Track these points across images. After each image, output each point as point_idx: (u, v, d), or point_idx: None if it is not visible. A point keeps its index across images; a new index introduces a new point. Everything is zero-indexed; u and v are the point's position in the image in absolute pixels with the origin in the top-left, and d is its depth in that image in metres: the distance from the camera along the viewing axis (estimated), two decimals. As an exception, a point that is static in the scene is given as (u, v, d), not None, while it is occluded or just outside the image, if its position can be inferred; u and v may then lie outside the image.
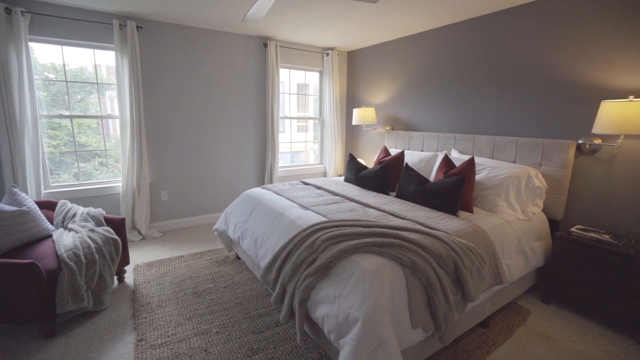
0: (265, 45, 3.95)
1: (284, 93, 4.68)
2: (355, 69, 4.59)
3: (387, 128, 4.10)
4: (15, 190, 2.24)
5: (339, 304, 1.44)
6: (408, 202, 2.45)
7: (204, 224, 3.91)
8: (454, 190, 2.20)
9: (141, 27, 3.18)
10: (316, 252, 1.66)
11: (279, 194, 2.66)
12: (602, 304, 2.01)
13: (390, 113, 4.09)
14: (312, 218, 2.04)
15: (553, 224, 2.51)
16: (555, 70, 2.46)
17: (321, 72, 4.65)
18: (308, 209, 2.25)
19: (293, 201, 2.45)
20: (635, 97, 1.97)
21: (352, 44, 4.27)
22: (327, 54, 4.43)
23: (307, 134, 4.96)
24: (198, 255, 3.04)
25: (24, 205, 2.17)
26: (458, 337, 1.93)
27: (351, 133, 4.85)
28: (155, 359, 1.73)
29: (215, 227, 2.91)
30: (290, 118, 4.73)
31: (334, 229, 1.77)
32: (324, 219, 1.97)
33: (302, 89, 4.85)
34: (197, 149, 3.75)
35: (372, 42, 4.09)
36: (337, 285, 1.50)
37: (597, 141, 2.27)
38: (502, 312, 2.19)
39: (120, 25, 3.04)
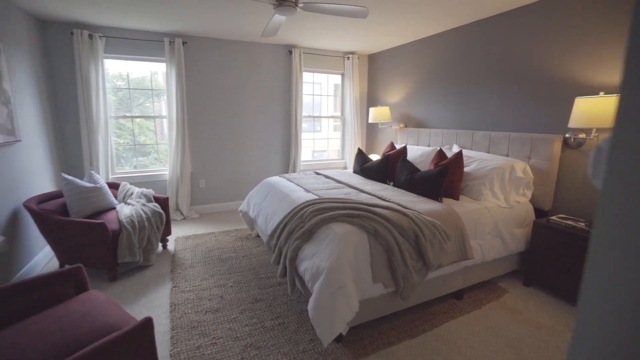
0: (290, 52, 4.44)
1: (320, 95, 5.15)
2: (375, 70, 4.91)
3: (401, 125, 4.37)
4: (92, 172, 2.96)
5: (314, 258, 1.85)
6: (400, 190, 2.76)
7: (234, 209, 4.51)
8: (437, 178, 2.48)
9: (186, 43, 3.84)
10: (304, 222, 2.08)
11: (291, 181, 3.12)
12: (574, 286, 2.17)
13: (404, 111, 4.36)
14: (310, 198, 2.45)
15: (542, 213, 2.65)
16: (546, 68, 2.61)
17: (343, 75, 5.03)
18: (310, 192, 2.67)
19: (300, 186, 2.89)
20: (605, 94, 2.10)
21: (371, 48, 4.59)
22: (348, 58, 4.81)
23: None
24: (226, 232, 3.61)
25: (98, 183, 2.88)
26: (429, 303, 2.23)
27: (370, 130, 5.17)
28: (184, 299, 2.28)
29: (240, 208, 3.45)
30: (314, 117, 5.18)
31: (320, 204, 2.18)
32: (316, 197, 2.39)
33: (338, 89, 5.26)
34: (231, 144, 4.35)
35: (388, 45, 4.39)
36: (316, 245, 1.91)
37: (582, 135, 2.40)
38: (478, 288, 2.42)
39: (169, 41, 3.72)
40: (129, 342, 1.12)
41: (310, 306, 1.71)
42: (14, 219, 2.47)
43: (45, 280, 1.53)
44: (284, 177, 3.30)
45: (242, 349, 1.79)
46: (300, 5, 2.25)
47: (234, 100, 4.28)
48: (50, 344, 1.12)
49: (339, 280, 1.68)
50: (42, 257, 2.84)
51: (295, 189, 2.78)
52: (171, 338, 1.88)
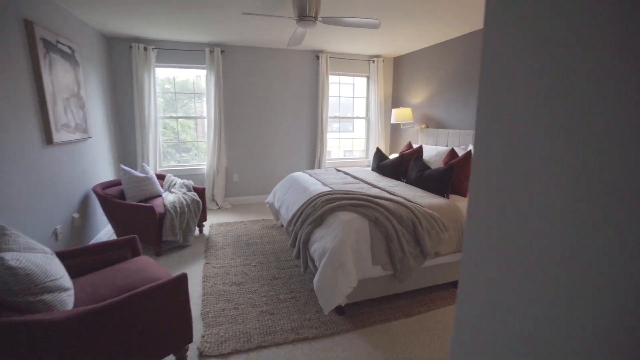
0: (318, 57, 4.75)
1: (347, 97, 5.44)
2: (400, 73, 5.07)
3: (422, 126, 4.50)
4: (144, 165, 3.49)
5: (322, 241, 2.13)
6: (411, 186, 2.96)
7: (263, 201, 4.92)
8: (443, 176, 2.65)
9: (224, 51, 4.30)
10: (316, 210, 2.37)
11: (312, 176, 3.43)
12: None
13: (426, 112, 4.49)
14: (324, 190, 2.74)
15: (552, 213, 2.71)
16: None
17: (368, 77, 5.25)
18: (326, 186, 2.96)
19: (319, 181, 3.19)
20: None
21: (396, 51, 4.77)
22: (373, 61, 5.01)
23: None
24: (254, 221, 4.01)
25: (149, 174, 3.40)
26: (430, 289, 2.42)
27: (394, 131, 5.33)
28: (214, 273, 2.68)
29: (266, 200, 3.83)
30: (339, 118, 5.45)
31: (331, 195, 2.46)
32: (330, 190, 2.67)
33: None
34: (261, 142, 4.77)
35: (412, 48, 4.54)
36: (324, 230, 2.20)
37: (592, 136, 2.44)
38: (480, 281, 2.56)
39: (210, 51, 4.20)
40: (170, 288, 1.49)
41: (315, 280, 2.00)
42: (85, 201, 3.04)
43: (110, 246, 1.97)
44: (306, 173, 3.61)
45: (259, 314, 2.13)
46: (319, 19, 2.54)
47: (265, 103, 4.68)
48: (117, 285, 1.52)
49: (340, 259, 1.95)
50: (104, 234, 3.42)
51: (314, 183, 3.08)
52: (202, 301, 2.27)
